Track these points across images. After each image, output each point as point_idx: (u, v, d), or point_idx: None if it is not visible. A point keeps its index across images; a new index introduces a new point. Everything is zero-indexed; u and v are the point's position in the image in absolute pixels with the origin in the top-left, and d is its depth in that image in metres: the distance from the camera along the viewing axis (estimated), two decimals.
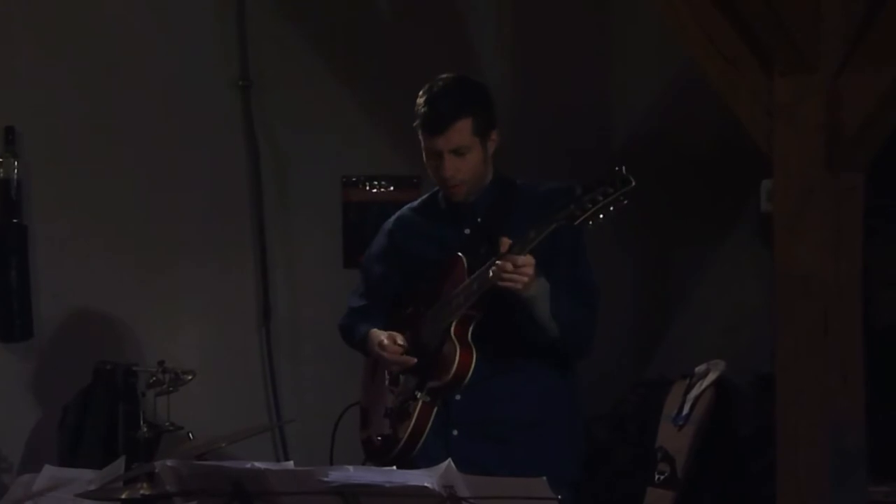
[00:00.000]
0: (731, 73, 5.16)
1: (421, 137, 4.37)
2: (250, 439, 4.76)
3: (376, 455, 4.46)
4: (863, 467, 5.12)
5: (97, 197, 6.49)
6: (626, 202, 4.06)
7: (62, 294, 6.46)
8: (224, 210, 6.67)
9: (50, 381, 6.41)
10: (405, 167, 6.44)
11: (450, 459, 3.50)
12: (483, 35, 6.79)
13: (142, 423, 5.71)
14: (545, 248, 4.16)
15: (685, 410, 5.85)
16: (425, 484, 3.42)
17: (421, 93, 4.38)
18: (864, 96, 4.95)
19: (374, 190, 6.75)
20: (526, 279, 4.14)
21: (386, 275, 4.58)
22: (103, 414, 6.16)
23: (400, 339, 4.42)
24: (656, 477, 5.84)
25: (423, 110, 4.34)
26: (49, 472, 4.48)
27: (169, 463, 3.66)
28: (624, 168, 4.06)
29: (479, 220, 4.41)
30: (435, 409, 4.35)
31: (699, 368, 5.92)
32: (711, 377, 5.85)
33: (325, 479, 3.43)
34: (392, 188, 6.72)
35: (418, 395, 4.35)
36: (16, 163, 6.39)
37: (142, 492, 4.07)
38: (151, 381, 5.56)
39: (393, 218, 4.63)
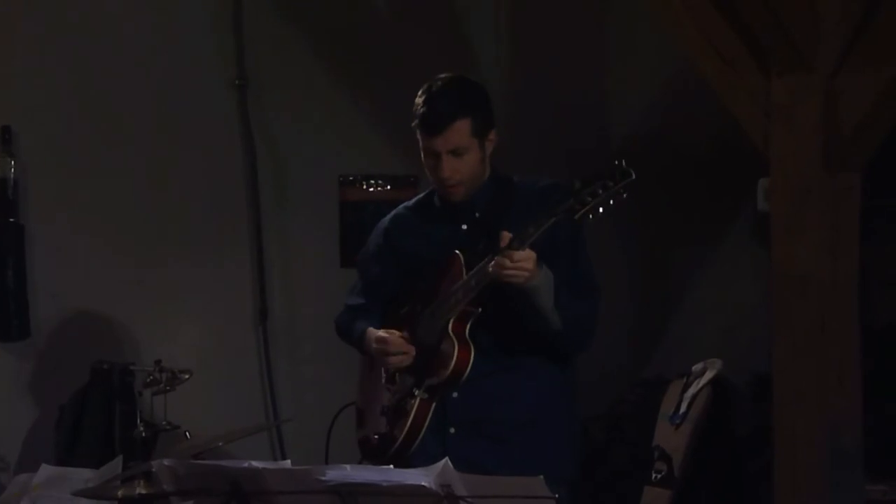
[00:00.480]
0: (729, 73, 5.17)
1: (419, 137, 4.35)
2: (247, 438, 4.77)
3: (373, 454, 4.44)
4: (860, 466, 5.13)
5: (94, 196, 6.48)
6: (625, 196, 4.04)
7: (59, 294, 6.45)
8: (221, 209, 6.67)
9: (47, 381, 6.40)
10: (403, 166, 6.44)
11: (447, 458, 3.50)
12: (482, 35, 6.79)
13: (139, 422, 5.71)
14: (545, 242, 4.14)
15: (682, 409, 5.84)
16: (422, 483, 3.42)
17: (419, 93, 4.36)
18: (861, 97, 4.96)
19: (372, 189, 6.74)
20: (526, 273, 4.12)
21: (382, 274, 4.56)
22: (100, 413, 6.16)
23: (398, 334, 4.40)
24: (653, 476, 5.83)
25: (421, 110, 4.32)
26: (46, 471, 4.47)
27: (166, 462, 3.65)
28: (624, 161, 4.06)
29: (476, 215, 4.40)
30: (433, 407, 4.33)
31: (696, 367, 5.92)
32: (708, 376, 5.85)
33: (323, 478, 3.43)
34: (389, 187, 6.71)
35: (416, 392, 4.33)
36: (12, 162, 6.39)
37: (139, 491, 4.07)
38: (148, 380, 5.55)
39: (389, 216, 4.61)
